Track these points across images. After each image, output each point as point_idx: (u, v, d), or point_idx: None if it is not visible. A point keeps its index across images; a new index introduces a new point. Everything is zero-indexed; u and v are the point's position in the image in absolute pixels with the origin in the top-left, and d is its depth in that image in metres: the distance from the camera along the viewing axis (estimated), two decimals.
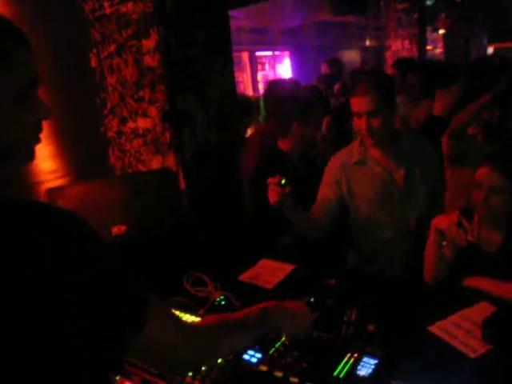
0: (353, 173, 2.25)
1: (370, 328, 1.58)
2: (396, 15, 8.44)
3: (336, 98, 4.65)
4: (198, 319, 1.70)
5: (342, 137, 3.46)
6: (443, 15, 10.24)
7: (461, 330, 1.57)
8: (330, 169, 2.30)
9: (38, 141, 0.90)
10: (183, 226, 2.25)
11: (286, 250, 2.39)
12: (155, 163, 2.54)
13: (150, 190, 2.24)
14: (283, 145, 2.57)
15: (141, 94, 2.48)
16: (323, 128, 3.70)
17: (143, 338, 0.87)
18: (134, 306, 0.88)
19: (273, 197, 1.92)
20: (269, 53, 10.01)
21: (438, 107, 3.59)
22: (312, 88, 3.88)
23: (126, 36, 2.44)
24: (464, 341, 1.51)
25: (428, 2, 9.21)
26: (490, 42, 15.40)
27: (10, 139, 0.84)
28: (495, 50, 15.19)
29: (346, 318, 1.64)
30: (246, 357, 1.40)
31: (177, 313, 1.75)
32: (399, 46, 8.49)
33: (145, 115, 2.50)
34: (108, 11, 2.47)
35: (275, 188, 1.91)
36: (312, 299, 1.76)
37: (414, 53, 8.31)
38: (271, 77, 9.96)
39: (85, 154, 2.65)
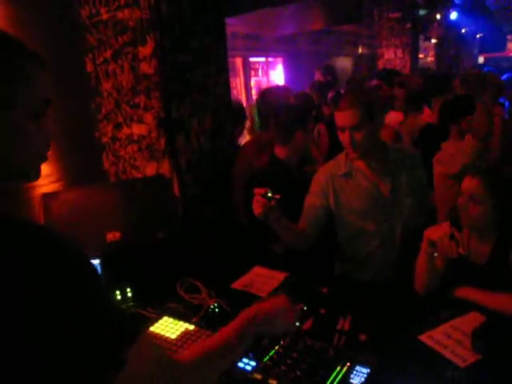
0: (340, 184, 2.27)
1: (362, 337, 1.60)
2: (389, 24, 8.53)
3: (329, 107, 4.68)
4: (191, 327, 1.71)
5: (334, 146, 3.48)
6: (435, 24, 10.36)
7: (451, 340, 1.59)
8: (318, 179, 2.32)
9: (46, 159, 0.92)
10: (177, 233, 2.26)
11: (277, 258, 2.41)
12: (150, 169, 2.55)
13: (144, 196, 2.24)
14: (280, 152, 2.59)
15: (136, 100, 2.49)
16: (315, 135, 3.73)
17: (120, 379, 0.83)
18: (117, 342, 0.84)
19: (257, 208, 1.93)
20: (262, 59, 10.04)
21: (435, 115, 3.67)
22: (306, 96, 3.93)
23: (122, 42, 2.45)
24: (454, 350, 1.54)
25: (421, 12, 9.31)
26: (480, 52, 15.59)
27: (22, 157, 0.86)
28: (485, 59, 15.39)
29: (338, 327, 1.66)
30: (240, 365, 1.41)
31: (171, 320, 1.76)
32: (392, 55, 8.57)
33: (140, 121, 2.51)
34: (105, 17, 2.48)
35: (260, 200, 1.92)
36: (305, 308, 1.77)
37: (407, 61, 8.40)
38: (264, 83, 9.99)
39: (79, 159, 2.65)
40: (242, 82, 8.92)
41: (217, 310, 1.85)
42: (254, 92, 9.30)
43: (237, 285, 2.09)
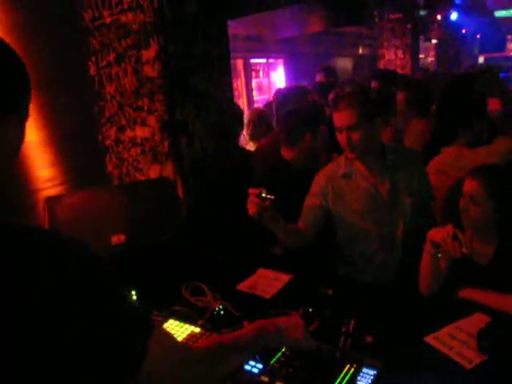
0: (339, 185, 2.28)
1: (368, 339, 1.60)
2: (390, 25, 8.54)
3: (331, 108, 4.67)
4: (197, 329, 1.71)
5: (336, 147, 3.48)
6: (435, 25, 10.37)
7: (456, 341, 1.60)
8: (317, 180, 2.34)
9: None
10: (181, 235, 2.26)
11: (277, 260, 2.41)
12: (153, 172, 2.56)
13: (148, 198, 2.25)
14: (287, 153, 2.60)
15: (139, 103, 2.50)
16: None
17: (143, 370, 0.86)
18: (137, 338, 0.87)
19: (251, 208, 1.94)
20: (263, 60, 10.05)
21: None
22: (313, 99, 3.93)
23: (125, 45, 2.46)
24: (459, 351, 1.54)
25: (421, 13, 9.33)
26: (481, 52, 15.62)
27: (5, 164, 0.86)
28: (485, 59, 15.41)
29: (344, 329, 1.66)
30: (247, 367, 1.42)
31: (177, 323, 1.77)
32: (392, 56, 8.59)
33: (143, 124, 2.51)
34: (108, 20, 2.48)
35: (255, 200, 1.93)
36: (310, 309, 1.78)
37: (407, 62, 8.41)
38: (265, 84, 10.01)
39: (82, 162, 2.66)
40: (243, 83, 8.93)
41: (222, 312, 1.85)
42: (255, 93, 9.31)
43: (242, 287, 2.09)
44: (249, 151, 3.56)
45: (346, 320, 1.71)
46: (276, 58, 10.23)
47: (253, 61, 9.48)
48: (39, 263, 0.76)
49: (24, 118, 0.85)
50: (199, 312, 1.87)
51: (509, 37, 17.15)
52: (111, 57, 2.53)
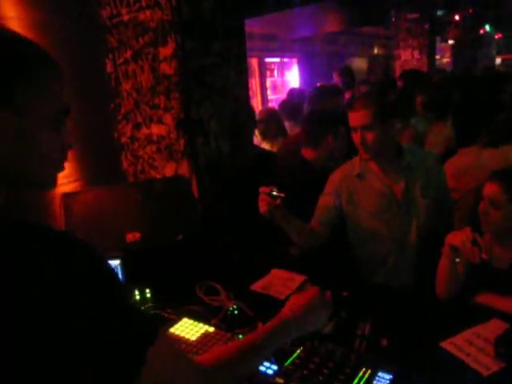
0: (354, 185, 2.28)
1: (384, 342, 1.59)
2: (406, 25, 8.46)
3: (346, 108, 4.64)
4: (211, 329, 1.71)
5: (351, 148, 3.44)
6: (453, 26, 10.27)
7: (473, 347, 1.57)
8: (332, 180, 2.34)
9: (63, 169, 0.91)
10: (196, 234, 2.26)
11: (293, 260, 2.40)
12: (168, 170, 2.56)
13: (164, 196, 2.25)
14: (308, 154, 2.60)
15: (156, 100, 2.50)
16: None
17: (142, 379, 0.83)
18: (137, 345, 0.83)
19: (262, 206, 1.94)
20: (278, 59, 10.03)
21: None
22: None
23: (142, 43, 2.47)
24: (477, 358, 1.52)
25: (439, 12, 9.24)
26: (498, 53, 15.43)
27: (37, 167, 0.85)
28: (503, 60, 15.23)
29: (359, 331, 1.65)
30: (261, 369, 1.41)
31: (190, 322, 1.77)
32: (409, 56, 8.51)
33: (159, 122, 2.52)
34: (125, 18, 2.49)
35: (265, 198, 1.93)
36: None
37: (424, 63, 8.33)
38: (280, 83, 9.98)
39: (97, 159, 2.67)
40: (257, 82, 8.91)
41: (236, 312, 1.85)
42: (269, 92, 9.29)
43: (255, 287, 2.08)
44: (264, 150, 3.55)
45: (361, 322, 1.70)
46: (291, 57, 10.21)
47: (267, 60, 9.46)
48: (39, 257, 0.75)
49: (19, 110, 0.81)
50: (213, 311, 1.86)
51: None
52: (128, 54, 2.54)
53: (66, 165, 0.94)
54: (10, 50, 0.79)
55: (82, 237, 0.83)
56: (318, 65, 9.89)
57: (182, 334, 1.69)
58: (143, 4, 2.39)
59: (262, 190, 1.94)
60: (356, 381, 1.35)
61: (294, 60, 10.37)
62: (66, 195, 2.14)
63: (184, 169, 2.49)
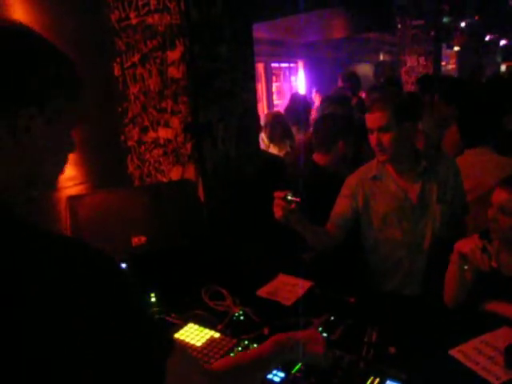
0: (370, 187, 2.28)
1: (391, 350, 1.57)
2: (412, 32, 8.46)
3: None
4: (217, 334, 1.70)
5: (356, 154, 3.41)
6: (458, 32, 10.26)
7: (482, 356, 1.55)
8: (349, 182, 2.34)
9: (63, 172, 0.92)
10: (202, 238, 2.25)
11: (303, 266, 2.38)
12: (175, 173, 2.55)
13: (170, 200, 2.24)
14: (319, 158, 2.59)
15: (163, 104, 2.50)
16: None
17: None
18: (156, 356, 0.82)
19: (278, 212, 1.91)
20: (283, 64, 10.05)
21: None
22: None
23: (150, 46, 2.46)
24: (486, 367, 1.50)
25: (444, 19, 9.24)
26: (503, 60, 15.41)
27: (51, 166, 0.87)
28: (508, 67, 15.20)
29: (366, 339, 1.63)
30: (268, 376, 1.39)
31: (196, 327, 1.75)
32: (414, 62, 8.51)
33: (167, 125, 2.51)
34: (134, 22, 2.49)
35: (280, 203, 1.91)
36: (332, 318, 1.75)
37: (429, 69, 8.32)
38: (286, 88, 10.00)
39: (103, 162, 2.66)
40: (263, 87, 8.94)
41: (242, 317, 1.83)
42: (275, 97, 9.31)
43: (261, 292, 2.07)
44: (272, 154, 3.55)
45: (369, 329, 1.68)
46: (296, 62, 10.23)
47: (273, 65, 9.48)
48: (39, 257, 0.74)
49: (52, 117, 0.82)
50: (219, 316, 1.85)
51: None
52: (136, 58, 2.53)
53: (72, 167, 0.95)
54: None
55: (87, 240, 0.82)
56: (323, 70, 9.91)
57: (188, 340, 1.67)
58: (152, 8, 2.39)
59: (276, 194, 1.92)
60: None
61: (300, 65, 10.40)
62: (71, 198, 2.12)
63: (190, 173, 2.48)
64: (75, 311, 0.74)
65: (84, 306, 0.75)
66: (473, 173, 2.62)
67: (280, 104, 9.14)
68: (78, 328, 0.74)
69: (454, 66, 13.10)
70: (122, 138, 2.72)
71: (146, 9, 2.40)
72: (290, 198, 1.90)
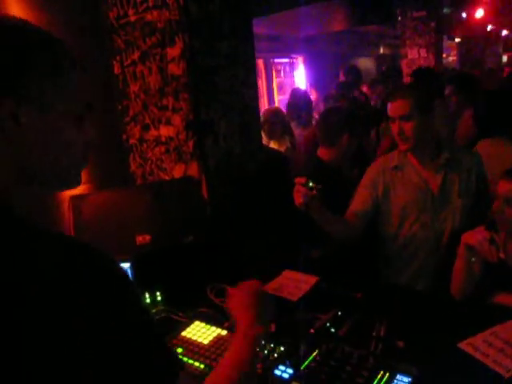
0: (391, 177, 2.26)
1: (400, 344, 1.55)
2: (413, 23, 8.40)
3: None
4: (224, 332, 1.68)
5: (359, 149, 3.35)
6: (460, 23, 10.20)
7: (492, 349, 1.53)
8: (369, 172, 2.33)
9: (86, 165, 0.90)
10: (206, 235, 2.24)
11: (311, 263, 2.37)
12: (177, 171, 2.53)
13: (173, 198, 2.23)
14: (324, 153, 2.58)
15: (164, 102, 2.48)
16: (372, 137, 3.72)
17: None
18: (156, 355, 0.80)
19: (298, 198, 1.89)
20: (284, 60, 10.02)
21: None
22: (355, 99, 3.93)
23: (150, 44, 2.44)
24: (496, 359, 1.48)
25: (445, 10, 9.17)
26: (505, 51, 15.32)
27: (61, 162, 0.84)
28: (509, 58, 15.12)
29: (374, 333, 1.61)
30: (277, 372, 1.38)
31: (202, 325, 1.74)
32: (416, 55, 8.44)
33: (168, 123, 2.49)
34: (132, 19, 2.47)
35: (301, 189, 1.88)
36: (339, 313, 1.74)
37: (431, 61, 8.26)
38: (287, 84, 9.97)
39: (105, 160, 2.65)
40: (264, 83, 8.91)
41: None
42: (276, 93, 9.28)
43: (267, 288, 2.05)
44: (273, 149, 3.53)
45: (377, 324, 1.67)
46: (297, 57, 10.19)
47: (274, 60, 9.46)
48: (39, 257, 0.73)
49: (43, 107, 0.79)
50: (225, 314, 1.83)
51: None
52: (136, 55, 2.52)
53: None
54: (23, 40, 0.78)
55: (91, 240, 0.81)
56: (324, 65, 9.86)
57: (195, 338, 1.66)
58: (150, 4, 2.37)
59: (297, 180, 1.89)
60: None
61: (300, 60, 10.36)
62: (74, 197, 2.11)
63: (193, 170, 2.46)
64: (75, 311, 0.73)
65: (84, 306, 0.73)
66: (490, 164, 2.58)
67: (282, 99, 9.11)
68: (78, 328, 0.72)
69: (455, 57, 13.04)
70: (124, 136, 2.71)
71: (145, 5, 2.38)
72: (311, 184, 1.86)
